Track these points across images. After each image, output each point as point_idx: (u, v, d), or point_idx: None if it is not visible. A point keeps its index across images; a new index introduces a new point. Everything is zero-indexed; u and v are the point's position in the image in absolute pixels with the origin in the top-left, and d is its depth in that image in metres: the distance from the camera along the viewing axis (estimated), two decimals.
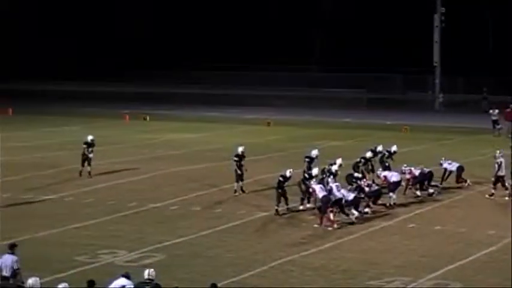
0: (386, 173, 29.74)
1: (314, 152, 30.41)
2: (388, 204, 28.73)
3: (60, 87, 73.60)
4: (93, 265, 22.16)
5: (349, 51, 75.30)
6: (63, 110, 59.52)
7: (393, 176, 29.17)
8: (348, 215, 26.52)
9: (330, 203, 26.07)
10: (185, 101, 65.15)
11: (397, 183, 29.16)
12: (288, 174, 27.88)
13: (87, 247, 23.79)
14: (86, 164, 33.88)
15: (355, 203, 26.87)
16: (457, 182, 31.67)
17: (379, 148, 32.56)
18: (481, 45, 73.59)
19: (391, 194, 28.91)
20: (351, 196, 26.69)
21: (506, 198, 29.89)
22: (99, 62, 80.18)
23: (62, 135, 47.59)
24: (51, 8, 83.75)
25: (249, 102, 64.82)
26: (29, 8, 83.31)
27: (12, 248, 18.59)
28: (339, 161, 29.77)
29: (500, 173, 30.11)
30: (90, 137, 34.51)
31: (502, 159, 30.14)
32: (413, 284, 20.81)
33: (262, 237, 25.22)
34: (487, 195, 30.31)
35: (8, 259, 18.31)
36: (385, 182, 29.40)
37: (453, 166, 31.70)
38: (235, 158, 30.90)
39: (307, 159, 30.14)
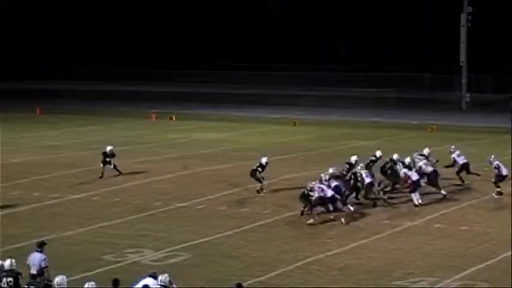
0: (406, 170, 29.49)
1: (353, 158, 30.38)
2: (414, 205, 28.72)
3: (87, 87, 74.05)
4: (119, 264, 22.35)
5: (376, 51, 75.16)
6: (90, 109, 59.94)
7: (413, 175, 29.08)
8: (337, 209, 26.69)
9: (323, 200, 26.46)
10: (212, 101, 65.30)
11: (417, 182, 29.06)
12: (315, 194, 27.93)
13: (114, 246, 24.00)
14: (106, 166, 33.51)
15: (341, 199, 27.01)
16: (457, 174, 31.95)
17: (395, 156, 31.89)
18: (510, 44, 73.14)
19: (412, 194, 28.88)
20: (329, 193, 26.67)
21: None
22: (125, 61, 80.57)
23: (89, 134, 47.93)
24: (75, 7, 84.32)
25: (276, 102, 64.88)
26: (55, 7, 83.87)
27: (41, 246, 18.84)
28: (354, 157, 30.10)
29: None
30: (109, 148, 33.84)
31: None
32: (439, 285, 20.80)
33: (287, 237, 25.30)
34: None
35: (36, 257, 18.57)
36: (407, 181, 29.12)
37: (461, 160, 31.84)
38: (259, 169, 30.91)
39: (346, 166, 30.19)
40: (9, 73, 76.31)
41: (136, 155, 39.89)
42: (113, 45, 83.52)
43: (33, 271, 18.35)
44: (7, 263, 17.61)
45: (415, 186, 28.94)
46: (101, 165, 33.62)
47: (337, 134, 48.10)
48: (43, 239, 21.20)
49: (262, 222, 26.90)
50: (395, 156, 30.83)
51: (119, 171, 33.86)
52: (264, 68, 74.93)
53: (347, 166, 30.25)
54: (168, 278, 17.18)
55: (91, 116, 56.24)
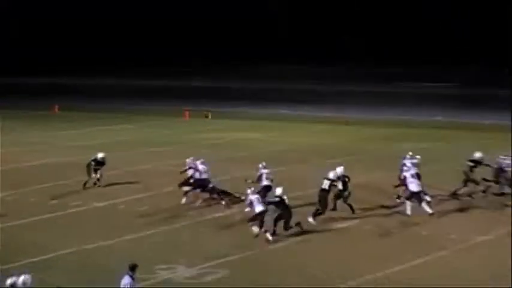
0: (408, 175, 29.00)
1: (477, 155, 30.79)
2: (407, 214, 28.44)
3: (115, 82, 74.49)
4: (149, 281, 22.10)
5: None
6: (115, 106, 60.12)
7: (413, 185, 28.55)
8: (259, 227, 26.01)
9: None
10: (252, 97, 65.22)
11: (413, 194, 28.52)
12: None
13: (143, 261, 23.67)
14: (94, 174, 32.99)
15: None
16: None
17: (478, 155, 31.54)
18: None
19: (407, 201, 28.57)
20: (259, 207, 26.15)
21: None
22: (158, 54, 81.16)
23: (114, 134, 47.98)
24: (101, 5, 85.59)
25: (325, 99, 64.58)
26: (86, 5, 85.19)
27: (132, 270, 18.72)
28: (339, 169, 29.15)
29: None
30: (100, 155, 33.26)
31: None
32: None
33: (339, 249, 24.91)
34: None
35: (123, 282, 18.48)
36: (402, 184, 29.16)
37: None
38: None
39: (471, 164, 30.41)
40: (24, 68, 77.11)
41: (167, 157, 39.73)
42: (147, 39, 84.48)
43: None
44: (20, 280, 17.48)
45: (409, 194, 28.63)
46: (93, 174, 33.02)
47: (390, 134, 47.49)
48: (59, 252, 20.92)
49: (309, 234, 26.44)
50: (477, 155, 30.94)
51: (99, 182, 33.17)
52: (311, 62, 74.99)
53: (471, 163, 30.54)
54: None
55: (119, 114, 56.36)
